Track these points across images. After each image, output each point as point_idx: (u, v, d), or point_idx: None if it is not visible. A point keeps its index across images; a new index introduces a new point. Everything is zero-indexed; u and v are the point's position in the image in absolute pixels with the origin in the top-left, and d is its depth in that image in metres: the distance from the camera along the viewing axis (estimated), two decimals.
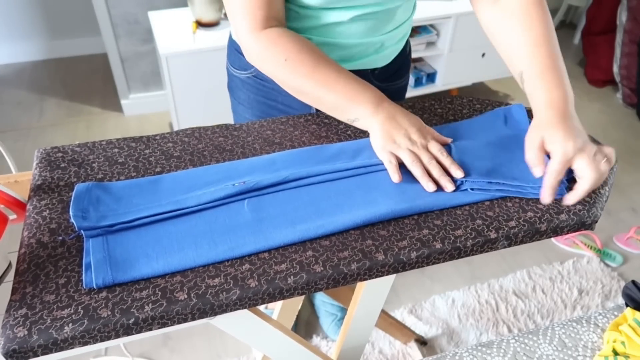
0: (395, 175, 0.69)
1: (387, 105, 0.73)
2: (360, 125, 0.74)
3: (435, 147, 0.71)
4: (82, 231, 0.61)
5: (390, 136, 0.71)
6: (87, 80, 2.79)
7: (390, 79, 1.00)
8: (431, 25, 2.30)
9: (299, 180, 0.71)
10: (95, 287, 0.55)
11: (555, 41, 0.75)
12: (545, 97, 0.70)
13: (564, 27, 3.50)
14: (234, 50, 0.98)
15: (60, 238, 0.61)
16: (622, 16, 2.62)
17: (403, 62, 1.02)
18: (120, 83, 2.41)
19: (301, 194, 0.69)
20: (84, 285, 0.55)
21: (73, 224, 0.62)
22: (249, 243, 0.61)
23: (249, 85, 0.98)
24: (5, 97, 2.62)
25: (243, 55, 0.94)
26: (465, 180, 0.70)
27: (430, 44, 2.32)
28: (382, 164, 0.74)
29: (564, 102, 0.69)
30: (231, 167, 0.73)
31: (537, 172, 0.68)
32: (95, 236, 0.61)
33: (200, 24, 2.02)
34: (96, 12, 2.16)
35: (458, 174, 0.69)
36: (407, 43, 1.02)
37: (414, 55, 2.27)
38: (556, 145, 0.67)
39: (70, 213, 0.62)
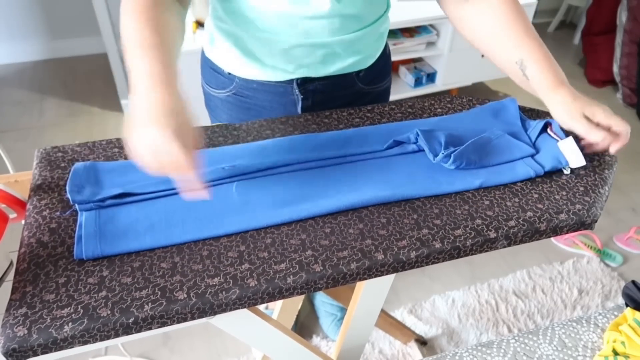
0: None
1: None
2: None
3: None
4: (76, 205, 0.63)
5: None
6: (87, 80, 2.78)
7: (374, 82, 0.99)
8: (431, 25, 2.30)
9: (287, 166, 0.72)
10: (84, 259, 0.57)
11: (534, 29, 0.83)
12: (553, 79, 0.78)
13: (564, 27, 3.50)
14: (208, 68, 0.95)
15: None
16: (622, 16, 2.61)
17: (385, 63, 1.00)
18: (120, 83, 2.40)
19: (289, 179, 0.71)
20: (74, 257, 0.57)
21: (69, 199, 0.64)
22: (235, 222, 0.63)
23: (230, 104, 0.95)
24: (5, 97, 2.62)
25: (219, 74, 0.92)
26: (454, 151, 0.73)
27: (430, 44, 2.32)
28: (370, 152, 0.75)
29: (566, 81, 0.79)
30: (223, 152, 0.75)
31: (596, 136, 0.76)
32: (89, 210, 0.63)
33: (200, 24, 2.02)
34: (96, 12, 2.16)
35: None
36: (386, 45, 1.00)
37: (414, 55, 2.27)
38: (599, 112, 0.76)
39: (67, 188, 0.65)
